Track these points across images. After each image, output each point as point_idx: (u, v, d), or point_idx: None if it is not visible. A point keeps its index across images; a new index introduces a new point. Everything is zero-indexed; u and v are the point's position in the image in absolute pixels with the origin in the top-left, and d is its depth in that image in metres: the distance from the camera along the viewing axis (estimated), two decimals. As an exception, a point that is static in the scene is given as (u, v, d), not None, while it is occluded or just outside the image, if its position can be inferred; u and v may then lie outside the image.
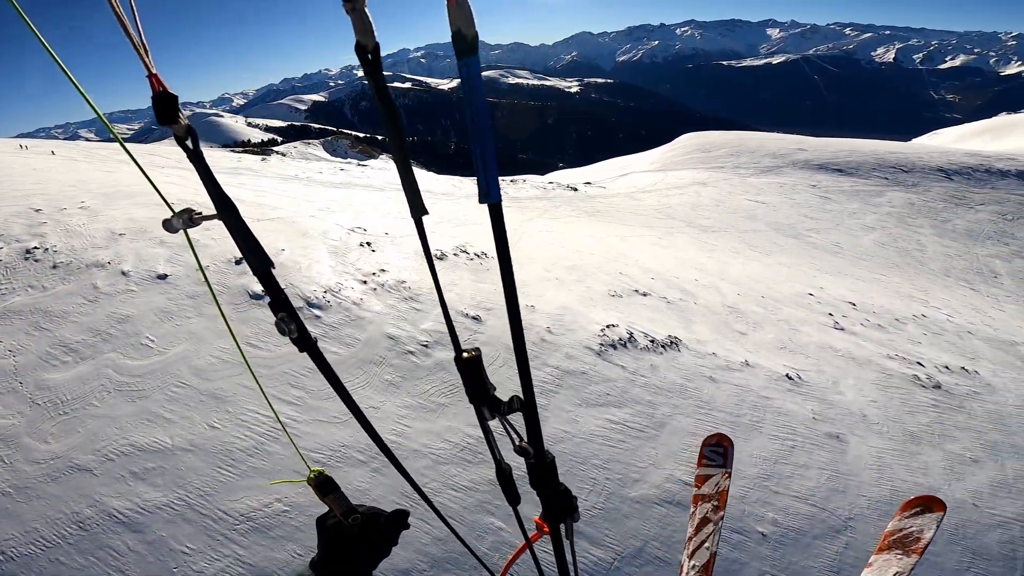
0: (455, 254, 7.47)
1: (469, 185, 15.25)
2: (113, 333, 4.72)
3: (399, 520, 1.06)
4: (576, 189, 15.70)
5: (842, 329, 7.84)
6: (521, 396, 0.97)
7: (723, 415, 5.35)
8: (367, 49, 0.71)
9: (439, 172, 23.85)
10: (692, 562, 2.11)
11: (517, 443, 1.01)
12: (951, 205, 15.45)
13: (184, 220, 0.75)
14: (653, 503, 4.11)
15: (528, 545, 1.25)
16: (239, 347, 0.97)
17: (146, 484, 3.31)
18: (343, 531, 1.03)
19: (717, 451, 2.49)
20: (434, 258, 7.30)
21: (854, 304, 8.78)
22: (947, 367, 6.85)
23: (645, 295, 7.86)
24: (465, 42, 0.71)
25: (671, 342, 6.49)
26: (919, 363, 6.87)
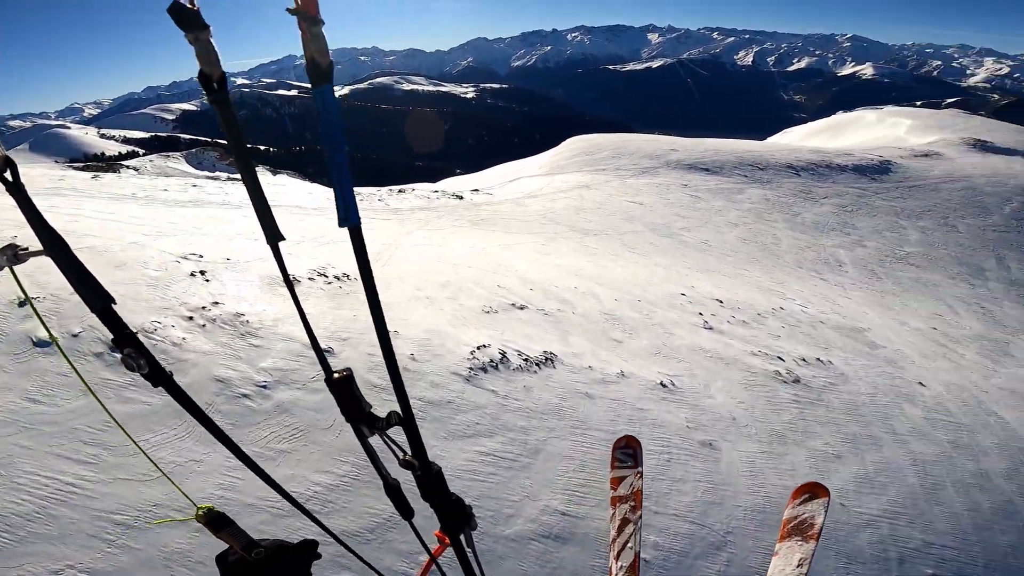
0: (311, 278, 6.85)
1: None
2: None
3: (308, 550, 1.03)
4: (461, 197, 15.42)
5: (711, 328, 8.17)
6: (399, 411, 0.98)
7: (600, 433, 5.24)
8: (212, 78, 0.73)
9: (329, 183, 22.46)
10: (620, 563, 2.15)
11: (401, 457, 1.02)
12: (800, 199, 17.16)
13: (8, 257, 0.75)
14: (530, 539, 3.92)
15: (433, 560, 1.26)
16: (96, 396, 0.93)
17: None
18: (247, 568, 0.99)
19: (627, 452, 2.54)
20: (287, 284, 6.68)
21: (721, 301, 9.23)
22: (804, 359, 7.35)
23: (522, 308, 7.67)
24: (320, 71, 0.73)
25: (546, 359, 6.33)
26: (779, 358, 7.30)
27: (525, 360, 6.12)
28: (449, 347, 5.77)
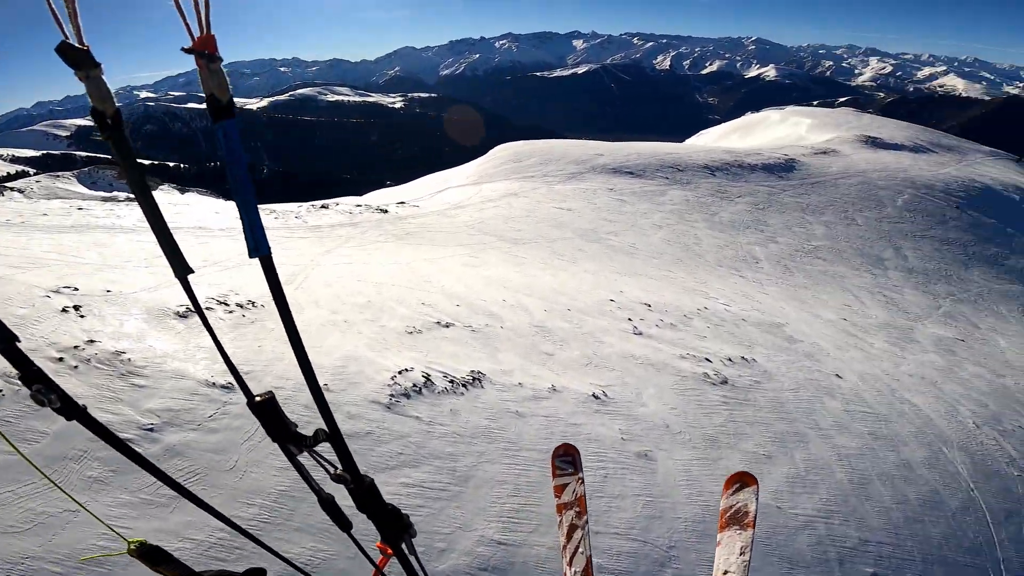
0: (209, 308, 6.25)
1: (264, 216, 13.42)
2: None
3: None
4: (386, 211, 14.85)
5: (640, 334, 8.15)
6: (325, 429, 1.01)
7: (533, 454, 5.05)
8: (107, 115, 0.74)
9: (260, 200, 21.05)
10: (573, 569, 2.21)
11: (333, 472, 1.05)
12: (717, 199, 17.91)
13: None
14: (466, 574, 3.73)
15: (379, 572, 1.33)
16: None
17: None
18: None
19: (567, 460, 2.60)
20: (179, 317, 5.92)
21: (649, 305, 9.28)
22: (730, 359, 7.46)
23: (448, 326, 7.36)
24: (220, 106, 0.77)
25: (474, 378, 6.06)
26: (707, 359, 7.38)
27: (451, 382, 5.87)
28: (368, 373, 5.42)
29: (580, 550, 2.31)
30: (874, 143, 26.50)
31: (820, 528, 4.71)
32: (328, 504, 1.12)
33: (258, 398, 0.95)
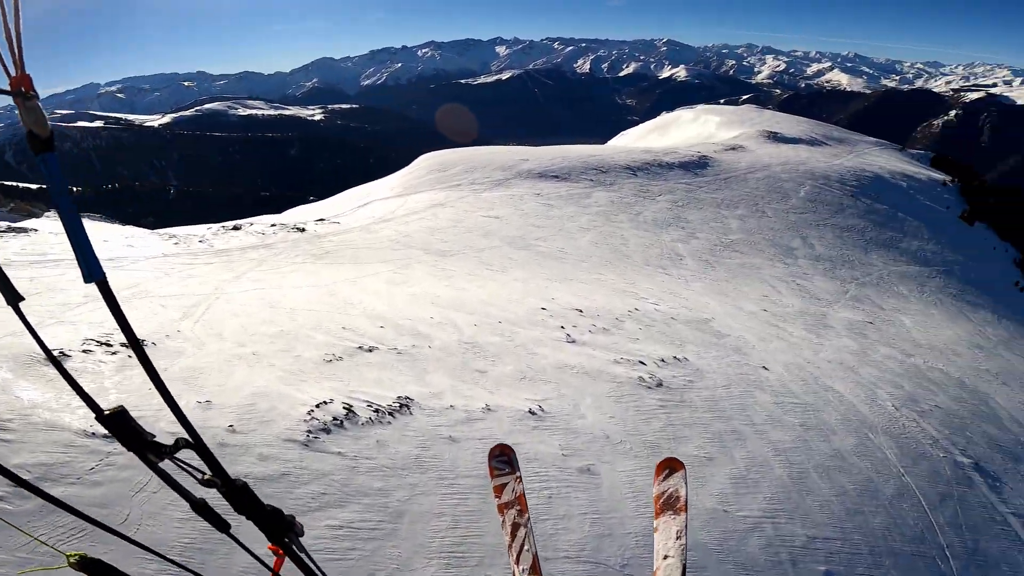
0: (87, 350, 5.56)
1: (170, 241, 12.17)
2: None
3: None
4: (303, 229, 13.97)
5: (574, 341, 8.01)
6: (187, 437, 1.05)
7: (471, 480, 4.77)
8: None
9: (155, 225, 19.29)
10: (521, 567, 2.22)
11: (201, 477, 1.08)
12: (640, 199, 18.37)
13: None
14: None
15: (275, 574, 1.34)
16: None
17: None
18: None
19: (503, 460, 2.62)
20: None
21: (581, 311, 9.17)
22: (663, 360, 7.44)
23: (371, 351, 6.91)
24: (40, 141, 0.81)
25: (401, 405, 5.67)
26: (641, 362, 7.31)
27: (376, 411, 5.50)
28: (281, 409, 5.00)
29: (526, 547, 2.31)
30: (775, 138, 28.38)
31: (768, 529, 4.67)
32: (201, 507, 1.14)
33: (108, 411, 0.96)
